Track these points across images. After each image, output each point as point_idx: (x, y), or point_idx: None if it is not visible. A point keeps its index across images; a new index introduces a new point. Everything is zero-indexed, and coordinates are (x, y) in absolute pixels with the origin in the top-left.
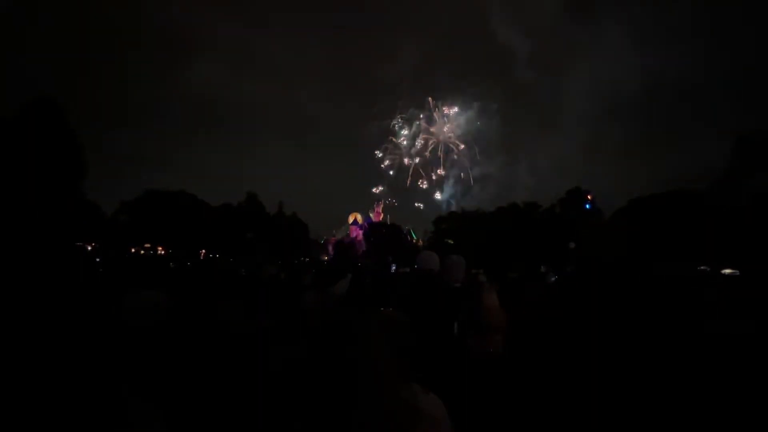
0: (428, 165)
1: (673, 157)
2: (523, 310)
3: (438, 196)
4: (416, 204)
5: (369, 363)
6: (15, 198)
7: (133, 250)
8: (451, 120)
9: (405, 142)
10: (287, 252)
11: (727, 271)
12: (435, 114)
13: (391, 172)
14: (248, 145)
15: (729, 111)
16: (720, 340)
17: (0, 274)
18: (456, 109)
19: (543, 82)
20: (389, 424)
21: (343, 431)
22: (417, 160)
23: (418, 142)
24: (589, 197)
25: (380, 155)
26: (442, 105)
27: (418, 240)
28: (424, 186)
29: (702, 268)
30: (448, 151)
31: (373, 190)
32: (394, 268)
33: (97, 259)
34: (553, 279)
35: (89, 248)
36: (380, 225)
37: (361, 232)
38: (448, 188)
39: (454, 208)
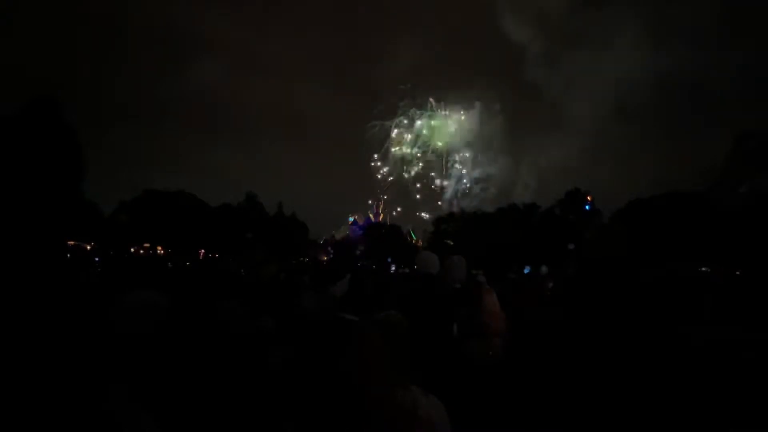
0: (430, 166)
1: (674, 157)
2: (524, 312)
3: (439, 203)
4: (418, 214)
5: (367, 365)
6: (14, 197)
7: (132, 250)
8: (452, 120)
9: (405, 149)
10: (287, 252)
11: (728, 271)
12: (436, 113)
13: (390, 179)
14: (248, 145)
15: (729, 111)
16: (717, 346)
17: None
18: (458, 108)
19: (545, 82)
20: (388, 427)
21: None
22: (419, 165)
23: (417, 149)
24: (588, 198)
25: (379, 163)
26: (445, 105)
27: (417, 240)
28: (421, 175)
29: (703, 269)
30: (450, 151)
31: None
32: (393, 268)
33: (96, 259)
34: (549, 284)
35: (88, 248)
36: (380, 225)
37: (360, 232)
38: (450, 189)
39: (455, 208)
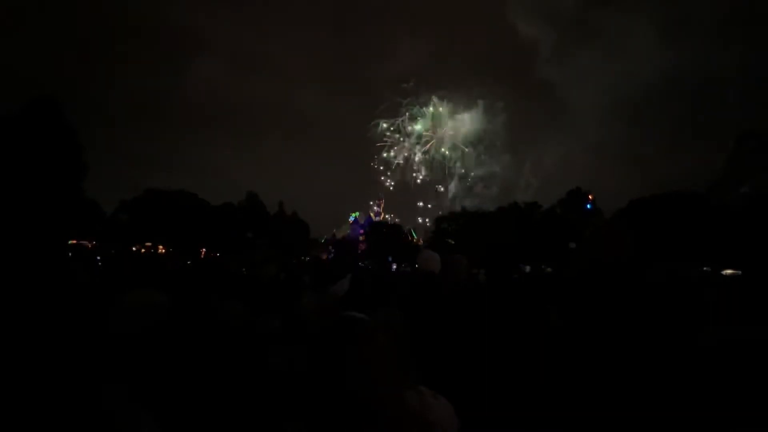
0: (431, 164)
1: (675, 157)
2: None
3: (442, 192)
4: (421, 220)
5: (375, 365)
6: (14, 196)
7: (133, 249)
8: (454, 118)
9: (406, 143)
10: (287, 251)
11: (728, 271)
12: (439, 111)
13: (388, 177)
14: (249, 144)
15: (730, 111)
16: (725, 346)
17: None
18: (461, 107)
19: (548, 81)
20: (397, 430)
21: None
22: (418, 156)
23: (419, 149)
24: (590, 197)
25: (380, 164)
26: (447, 103)
27: (418, 239)
28: (423, 175)
29: (705, 269)
30: (452, 150)
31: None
32: (394, 267)
33: (98, 258)
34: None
35: (89, 246)
36: (381, 224)
37: (361, 231)
38: (452, 187)
39: (456, 207)
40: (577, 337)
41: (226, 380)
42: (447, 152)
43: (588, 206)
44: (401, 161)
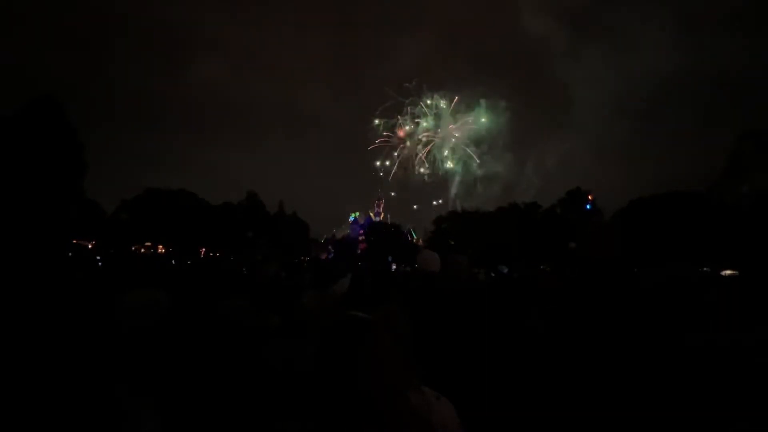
0: (433, 163)
1: (675, 157)
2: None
3: (435, 203)
4: (414, 207)
5: (378, 366)
6: (15, 195)
7: (133, 249)
8: (456, 118)
9: (407, 143)
10: (287, 251)
11: (728, 272)
12: (441, 111)
13: (388, 177)
14: (249, 143)
15: (731, 111)
16: (716, 349)
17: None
18: (463, 106)
19: (551, 81)
20: (399, 430)
21: None
22: (419, 156)
23: (420, 148)
24: (590, 197)
25: (379, 163)
26: (449, 102)
27: (418, 239)
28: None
29: (704, 269)
30: (454, 149)
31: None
32: (394, 267)
33: (98, 257)
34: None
35: (89, 246)
36: (380, 224)
37: (361, 231)
38: (453, 187)
39: (457, 207)
40: (563, 337)
41: (226, 378)
42: (448, 152)
43: (588, 206)
44: (402, 161)
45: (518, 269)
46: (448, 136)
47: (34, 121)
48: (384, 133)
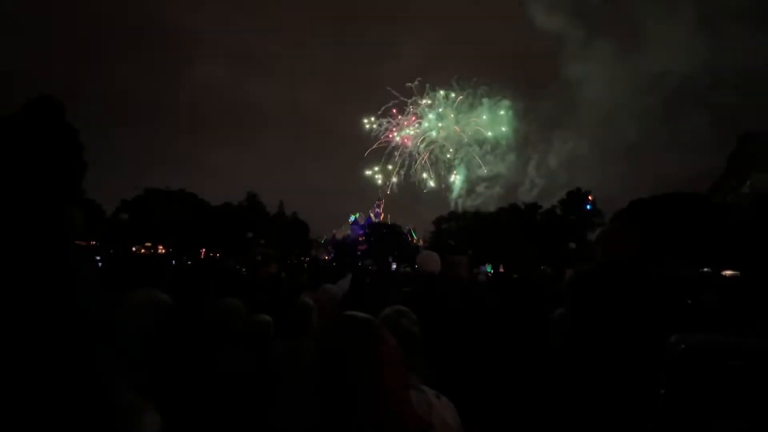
0: (435, 164)
1: (676, 157)
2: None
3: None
4: (420, 203)
5: (376, 366)
6: (16, 196)
7: (133, 249)
8: (459, 117)
9: (409, 143)
10: (287, 252)
11: (728, 272)
12: (444, 110)
13: (389, 178)
14: (249, 144)
15: (732, 111)
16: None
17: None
18: (465, 105)
19: (553, 80)
20: (399, 430)
21: None
22: (421, 156)
23: (422, 148)
24: (589, 198)
25: (380, 164)
26: (452, 102)
27: (418, 240)
28: (425, 174)
29: (704, 270)
30: (456, 149)
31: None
32: (394, 266)
33: (98, 258)
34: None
35: (89, 247)
36: (380, 225)
37: (361, 231)
38: (456, 187)
39: (458, 208)
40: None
41: (225, 377)
42: (451, 151)
43: (588, 207)
44: (404, 160)
45: (519, 270)
46: (450, 135)
47: (35, 122)
48: (385, 133)
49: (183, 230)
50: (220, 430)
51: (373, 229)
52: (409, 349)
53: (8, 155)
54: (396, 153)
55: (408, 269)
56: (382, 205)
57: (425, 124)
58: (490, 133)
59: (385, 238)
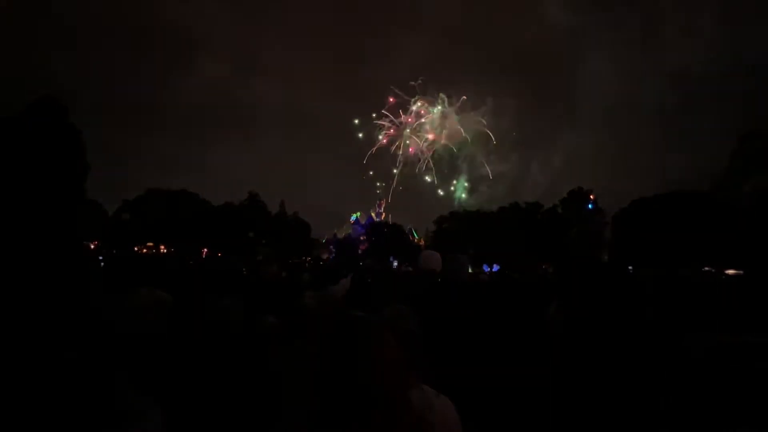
0: (438, 163)
1: (678, 157)
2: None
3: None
4: (422, 203)
5: (381, 365)
6: (18, 196)
7: (135, 249)
8: (462, 116)
9: (411, 142)
10: (289, 251)
11: (731, 271)
12: (447, 110)
13: (391, 177)
14: (250, 144)
15: (734, 110)
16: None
17: (5, 273)
18: (469, 105)
19: (556, 81)
20: (400, 430)
21: None
22: (423, 155)
23: (425, 147)
24: (591, 197)
25: (382, 163)
26: (456, 101)
27: (419, 239)
28: (427, 174)
29: (706, 269)
30: (459, 148)
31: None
32: (395, 264)
33: (100, 258)
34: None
35: (92, 247)
36: (382, 224)
37: (362, 231)
38: (459, 186)
39: (460, 208)
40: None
41: (227, 376)
42: (454, 150)
43: (590, 206)
44: (406, 160)
45: (519, 269)
46: (453, 134)
47: (38, 123)
48: (387, 133)
49: (184, 230)
50: (221, 430)
51: (374, 228)
52: (409, 348)
53: (12, 156)
54: (399, 152)
55: (409, 268)
56: (383, 205)
57: (425, 125)
58: (490, 132)
59: (387, 237)
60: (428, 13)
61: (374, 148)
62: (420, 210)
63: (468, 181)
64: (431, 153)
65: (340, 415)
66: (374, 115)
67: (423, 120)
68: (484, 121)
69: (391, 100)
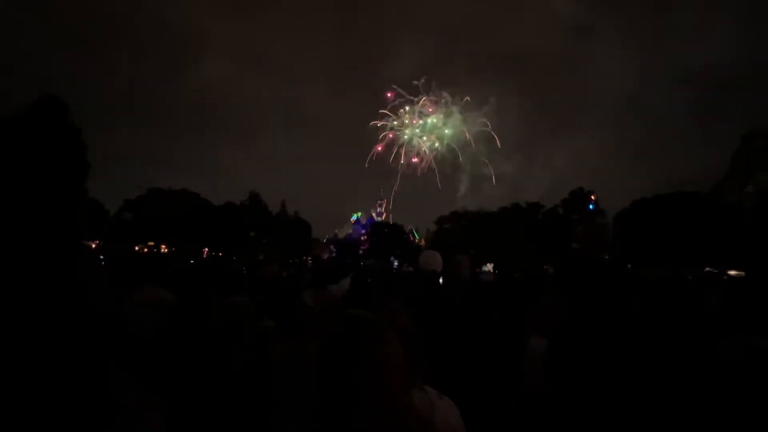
0: (441, 163)
1: (679, 157)
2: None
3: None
4: (423, 203)
5: (379, 366)
6: (19, 196)
7: (136, 248)
8: (465, 116)
9: (414, 141)
10: (289, 251)
11: (733, 272)
12: (450, 109)
13: (392, 177)
14: (251, 143)
15: (736, 110)
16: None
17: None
18: (472, 104)
19: (559, 80)
20: (402, 430)
21: None
22: (425, 154)
23: (427, 146)
24: (592, 198)
25: (383, 162)
26: (459, 100)
27: (420, 239)
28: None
29: (708, 269)
30: (462, 147)
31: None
32: (396, 264)
33: (101, 257)
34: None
35: (93, 246)
36: (383, 224)
37: (363, 231)
38: (462, 186)
39: (460, 208)
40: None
41: (229, 377)
42: (457, 150)
43: (591, 206)
44: (408, 160)
45: (520, 270)
46: (455, 133)
47: (39, 121)
48: (389, 132)
49: (185, 229)
50: (221, 429)
51: (375, 228)
52: (408, 349)
53: (12, 155)
54: (401, 152)
55: (410, 268)
56: (384, 205)
57: (428, 124)
58: (493, 131)
59: (388, 237)
60: (430, 13)
61: (376, 148)
62: (421, 210)
63: (470, 180)
64: (433, 153)
65: (342, 416)
66: (378, 113)
67: (426, 119)
68: (488, 122)
69: (389, 95)
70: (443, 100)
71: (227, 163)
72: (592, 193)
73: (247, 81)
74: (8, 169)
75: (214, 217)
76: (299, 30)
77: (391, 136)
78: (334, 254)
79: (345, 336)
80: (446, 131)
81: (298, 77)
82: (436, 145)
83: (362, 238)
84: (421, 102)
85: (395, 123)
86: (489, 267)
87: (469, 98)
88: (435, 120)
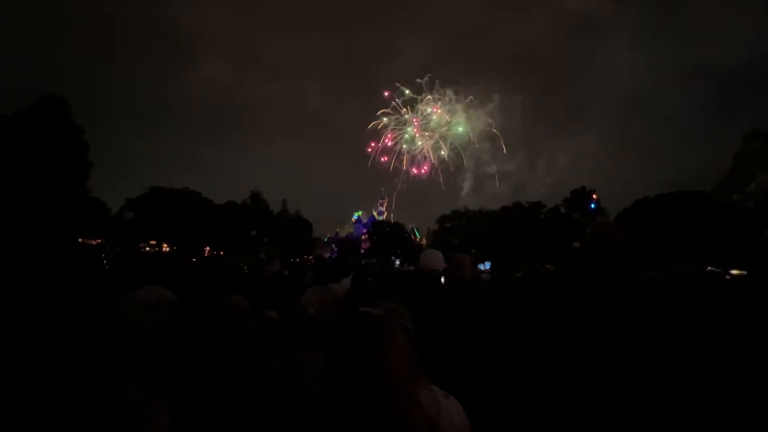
0: (444, 161)
1: (681, 156)
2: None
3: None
4: (424, 202)
5: (388, 364)
6: (20, 194)
7: (141, 246)
8: (469, 113)
9: (416, 140)
10: (290, 250)
11: (735, 272)
12: (453, 107)
13: (395, 176)
14: (253, 143)
15: (738, 110)
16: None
17: (7, 272)
18: (476, 102)
19: (561, 80)
20: (408, 429)
21: None
22: (427, 153)
23: (430, 145)
24: (594, 197)
25: (384, 162)
26: (462, 98)
27: (421, 239)
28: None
29: (709, 269)
30: (465, 146)
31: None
32: (397, 263)
33: (103, 256)
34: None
35: (94, 244)
36: (384, 223)
37: (364, 230)
38: (465, 185)
39: (462, 207)
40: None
41: (230, 376)
42: (459, 149)
43: (593, 205)
44: (410, 159)
45: (522, 269)
46: (458, 132)
47: (41, 121)
48: (391, 131)
49: (187, 228)
50: (221, 429)
51: (376, 227)
52: (415, 347)
53: (14, 154)
54: (403, 150)
55: (411, 268)
56: (385, 204)
57: (431, 123)
58: (496, 129)
59: (388, 236)
60: (433, 12)
61: (378, 147)
62: (422, 209)
63: (472, 179)
64: (436, 152)
65: (350, 413)
66: (380, 112)
67: (429, 117)
68: (492, 122)
69: (386, 93)
70: (447, 98)
71: (229, 162)
72: (594, 192)
73: (249, 80)
74: (8, 167)
75: (216, 215)
76: (301, 29)
77: (392, 135)
78: (335, 253)
79: (352, 334)
80: (450, 130)
81: (301, 76)
82: (439, 144)
83: (363, 237)
84: (421, 102)
85: (397, 121)
86: (485, 266)
87: (472, 97)
88: (438, 118)
